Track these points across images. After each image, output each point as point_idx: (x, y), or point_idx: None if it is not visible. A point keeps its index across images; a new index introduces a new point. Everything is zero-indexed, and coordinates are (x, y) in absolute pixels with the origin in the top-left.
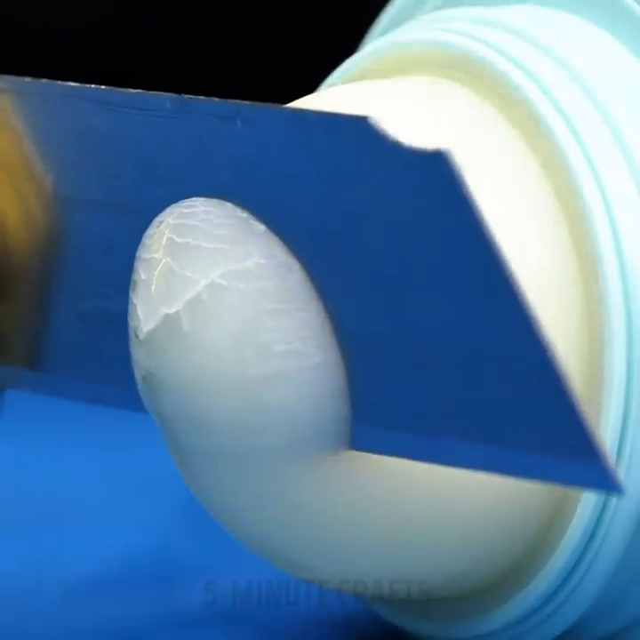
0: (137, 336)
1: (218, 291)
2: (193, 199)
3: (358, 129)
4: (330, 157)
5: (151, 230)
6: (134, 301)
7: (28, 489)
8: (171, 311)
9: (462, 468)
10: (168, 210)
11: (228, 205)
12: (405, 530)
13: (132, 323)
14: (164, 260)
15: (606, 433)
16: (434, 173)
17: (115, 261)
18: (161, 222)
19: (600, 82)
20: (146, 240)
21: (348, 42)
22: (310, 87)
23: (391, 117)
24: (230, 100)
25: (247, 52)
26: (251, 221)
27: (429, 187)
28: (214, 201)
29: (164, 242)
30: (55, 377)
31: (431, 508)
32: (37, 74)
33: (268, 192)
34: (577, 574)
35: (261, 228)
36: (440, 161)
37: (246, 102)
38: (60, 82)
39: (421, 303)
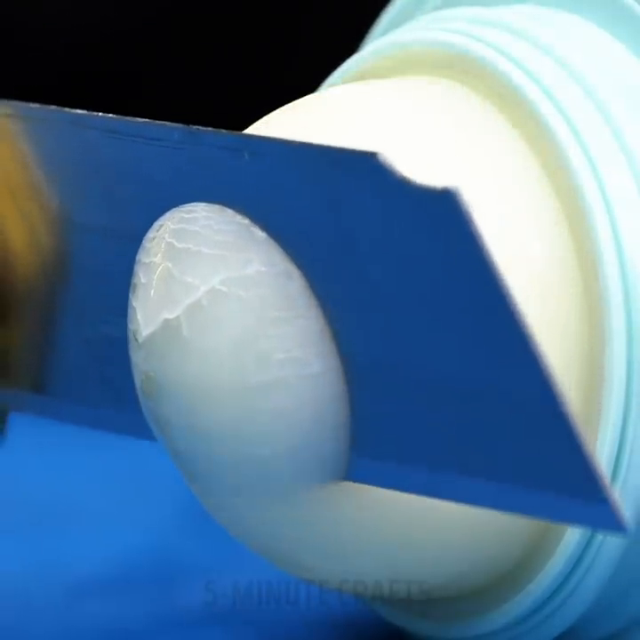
0: (136, 339)
1: (218, 297)
2: (193, 204)
3: (366, 164)
4: (337, 191)
5: (151, 234)
6: (134, 305)
7: (28, 489)
8: (171, 316)
9: (463, 504)
10: (168, 214)
11: (229, 211)
12: (406, 531)
13: (131, 326)
14: (163, 265)
15: (606, 432)
16: (442, 211)
17: (118, 287)
18: (161, 226)
19: (600, 82)
20: (146, 243)
21: (347, 42)
22: (310, 87)
23: (391, 118)
24: (238, 133)
25: (247, 53)
26: (251, 228)
27: (437, 224)
28: (215, 207)
29: (163, 246)
30: (60, 401)
31: (432, 509)
32: (37, 74)
33: (274, 219)
34: (575, 576)
35: (262, 235)
36: (448, 199)
37: (254, 135)
38: (66, 108)
39: (425, 336)
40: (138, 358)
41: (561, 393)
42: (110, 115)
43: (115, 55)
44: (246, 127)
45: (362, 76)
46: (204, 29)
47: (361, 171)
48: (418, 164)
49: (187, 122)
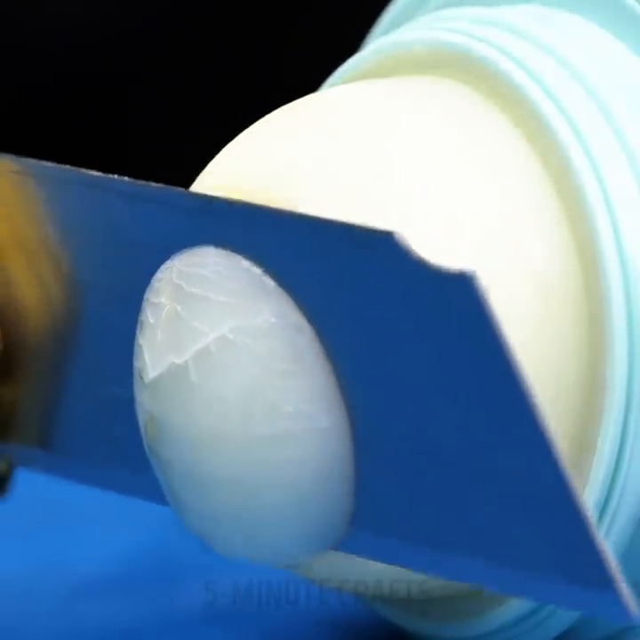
0: (142, 378)
1: (227, 345)
2: (203, 247)
3: (383, 244)
4: (353, 265)
5: (159, 274)
6: (140, 342)
7: (28, 489)
8: (179, 361)
9: (466, 582)
10: (176, 255)
11: (238, 257)
12: None
13: (136, 364)
14: (171, 306)
15: (607, 433)
16: (458, 294)
17: (129, 349)
18: (168, 268)
19: (602, 82)
20: (154, 283)
21: (348, 42)
22: (310, 87)
23: (392, 118)
24: (254, 204)
25: (247, 52)
26: (263, 277)
27: (453, 307)
28: (224, 252)
29: (171, 288)
30: (67, 458)
31: None
32: (37, 74)
33: (286, 273)
34: None
35: (273, 284)
36: (464, 282)
37: (271, 208)
38: (82, 170)
39: (434, 412)
40: (143, 398)
41: (573, 484)
42: (125, 178)
43: (115, 55)
44: (246, 126)
45: (363, 76)
46: (204, 29)
47: (377, 249)
48: (420, 163)
49: (186, 122)
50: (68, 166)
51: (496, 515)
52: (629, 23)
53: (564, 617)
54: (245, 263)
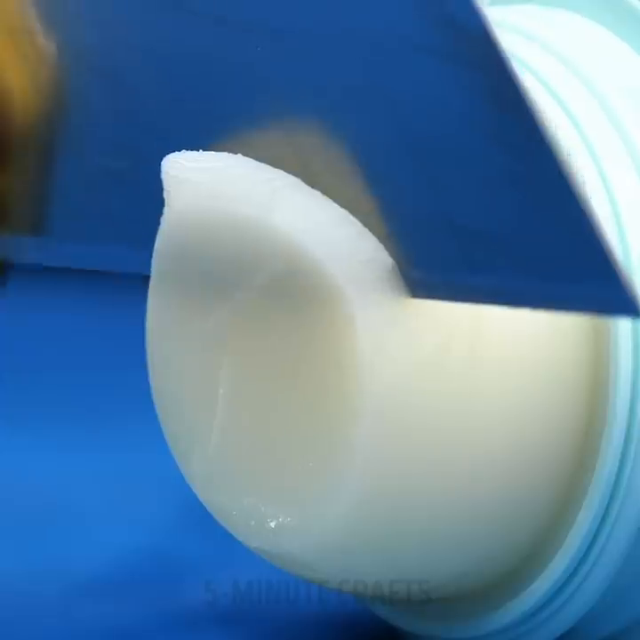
0: None
1: None
2: None
3: None
4: None
5: None
6: None
7: (27, 489)
8: None
9: (491, 305)
10: None
11: None
12: (408, 529)
13: None
14: None
15: (610, 445)
16: None
17: (115, 121)
18: None
19: (606, 82)
20: None
21: None
22: None
23: None
24: None
25: None
26: None
27: None
28: None
29: None
30: (60, 242)
31: (433, 508)
32: None
33: None
34: (578, 577)
35: None
36: None
37: None
38: None
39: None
40: None
41: (577, 180)
42: None
43: None
44: None
45: None
46: None
47: None
48: None
49: None
50: None
51: (508, 228)
52: (631, 21)
53: (565, 617)
54: None
